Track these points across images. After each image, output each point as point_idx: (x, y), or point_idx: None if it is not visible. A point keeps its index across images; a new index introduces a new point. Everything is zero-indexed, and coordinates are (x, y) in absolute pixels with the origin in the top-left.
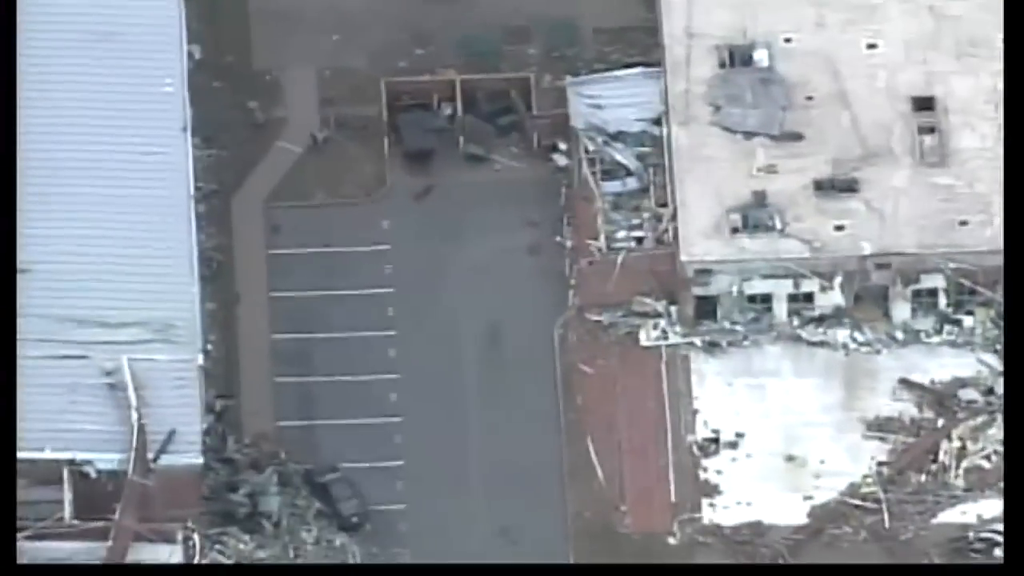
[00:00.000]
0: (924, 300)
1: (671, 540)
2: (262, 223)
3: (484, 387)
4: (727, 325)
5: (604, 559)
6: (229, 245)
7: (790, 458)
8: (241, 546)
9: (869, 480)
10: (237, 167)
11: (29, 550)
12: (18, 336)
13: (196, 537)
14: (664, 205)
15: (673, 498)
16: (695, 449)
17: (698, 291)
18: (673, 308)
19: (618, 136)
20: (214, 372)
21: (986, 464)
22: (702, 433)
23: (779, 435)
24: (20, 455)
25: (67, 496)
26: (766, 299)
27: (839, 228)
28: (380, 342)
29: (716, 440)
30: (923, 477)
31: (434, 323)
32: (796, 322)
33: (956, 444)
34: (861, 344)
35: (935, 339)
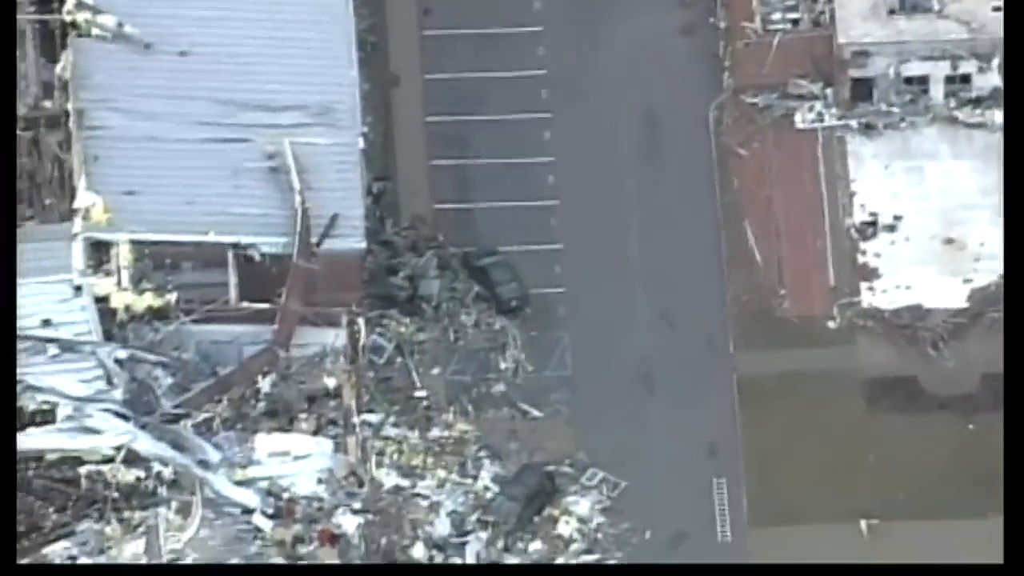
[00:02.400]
0: None
1: (831, 324)
2: (415, 4)
3: (639, 170)
4: (883, 107)
5: (764, 343)
6: (383, 27)
7: (949, 241)
8: (402, 329)
9: None
10: None
11: (197, 332)
12: (182, 120)
13: (361, 321)
14: None
15: (832, 282)
16: (853, 232)
17: (854, 73)
18: (829, 90)
19: None
20: (370, 155)
21: None
22: (860, 216)
23: (937, 218)
24: (186, 238)
25: (232, 279)
26: (923, 81)
27: (997, 9)
28: (534, 124)
29: (874, 223)
30: None
31: (588, 105)
32: (953, 104)
33: None
34: None
35: None
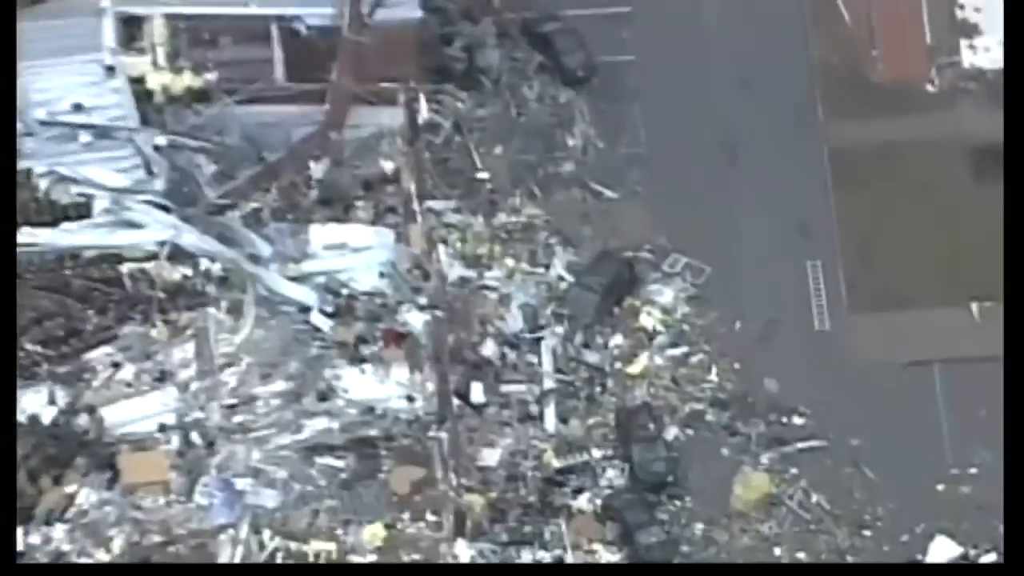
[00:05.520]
0: None
1: (929, 87)
2: None
3: None
4: None
5: (856, 109)
6: None
7: None
8: (459, 105)
9: None
10: None
11: (241, 114)
12: None
13: (422, 97)
14: None
15: (928, 40)
16: None
17: None
18: None
19: None
20: None
21: None
22: None
23: None
24: (224, 11)
25: (277, 55)
26: None
27: None
28: None
29: None
30: None
31: None
32: None
33: None
34: None
35: None
